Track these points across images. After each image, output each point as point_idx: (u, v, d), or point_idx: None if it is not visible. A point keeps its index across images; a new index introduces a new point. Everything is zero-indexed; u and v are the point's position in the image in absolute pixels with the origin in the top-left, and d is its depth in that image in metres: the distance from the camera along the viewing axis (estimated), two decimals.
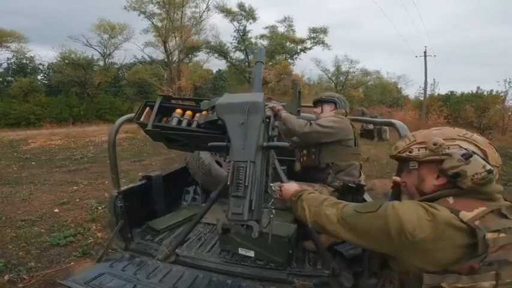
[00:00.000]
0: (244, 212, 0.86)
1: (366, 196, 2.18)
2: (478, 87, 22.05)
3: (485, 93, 16.99)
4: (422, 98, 23.78)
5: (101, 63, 25.64)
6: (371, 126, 12.21)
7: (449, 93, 26.41)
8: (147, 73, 24.22)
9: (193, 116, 1.48)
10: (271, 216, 1.12)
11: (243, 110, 1.00)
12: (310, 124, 1.85)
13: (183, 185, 2.89)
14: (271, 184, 1.13)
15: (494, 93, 11.62)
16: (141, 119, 1.54)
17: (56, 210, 4.10)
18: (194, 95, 19.48)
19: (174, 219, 2.36)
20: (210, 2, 23.27)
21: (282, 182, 1.29)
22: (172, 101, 1.62)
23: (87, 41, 23.26)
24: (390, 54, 47.80)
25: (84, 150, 9.32)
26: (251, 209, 0.87)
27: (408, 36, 51.36)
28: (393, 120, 1.55)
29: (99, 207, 4.18)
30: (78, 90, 24.83)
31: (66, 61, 23.08)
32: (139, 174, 2.45)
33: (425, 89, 21.73)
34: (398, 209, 0.79)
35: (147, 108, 1.55)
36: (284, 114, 1.90)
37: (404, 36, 51.72)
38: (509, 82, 10.23)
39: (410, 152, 0.92)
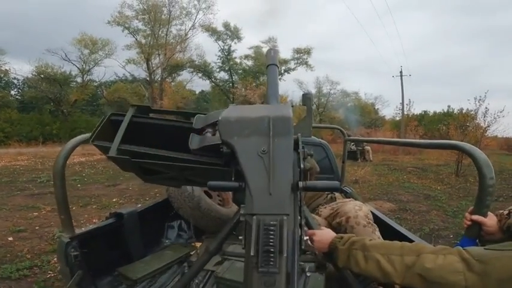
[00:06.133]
0: None
1: None
2: (449, 106, 23.64)
3: (456, 111, 17.95)
4: (398, 118, 24.81)
5: (79, 79, 24.71)
6: (354, 148, 12.36)
7: (423, 113, 28.03)
8: (128, 92, 23.56)
9: None
10: (308, 275, 0.81)
11: (264, 129, 0.67)
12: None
13: (164, 220, 2.48)
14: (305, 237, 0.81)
15: (464, 111, 12.25)
16: (103, 140, 1.03)
17: (10, 239, 3.66)
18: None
19: (154, 265, 1.93)
20: (196, 21, 23.53)
21: (309, 226, 0.99)
22: (151, 115, 1.16)
23: (66, 55, 22.40)
24: (367, 75, 50.08)
25: (52, 173, 8.66)
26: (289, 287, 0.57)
27: (383, 57, 54.46)
28: (461, 143, 1.11)
29: None
30: (52, 108, 23.63)
31: (42, 76, 21.97)
32: (108, 212, 1.95)
33: (402, 109, 22.64)
34: None
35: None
36: None
37: (380, 57, 54.70)
38: (479, 100, 10.47)
39: None
